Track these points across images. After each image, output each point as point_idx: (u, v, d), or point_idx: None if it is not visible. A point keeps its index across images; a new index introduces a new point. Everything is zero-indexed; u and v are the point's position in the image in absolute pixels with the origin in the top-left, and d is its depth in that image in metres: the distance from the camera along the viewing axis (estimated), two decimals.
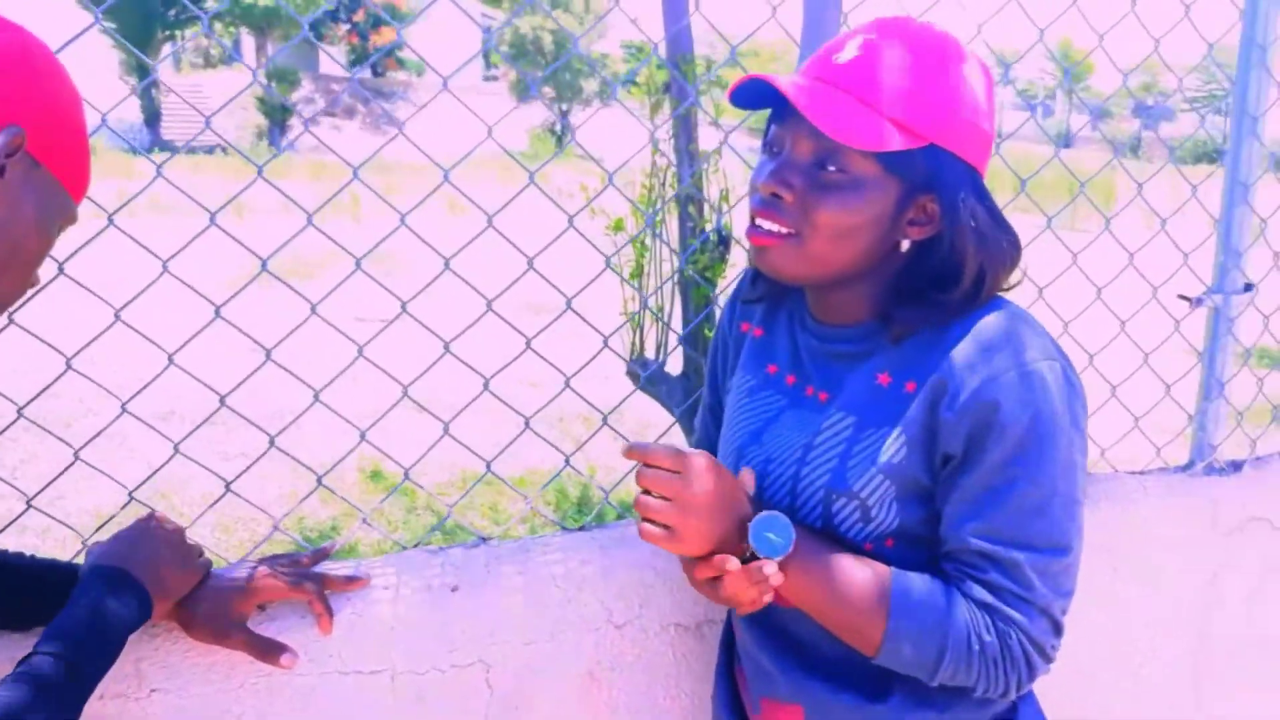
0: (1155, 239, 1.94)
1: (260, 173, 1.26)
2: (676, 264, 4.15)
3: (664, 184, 4.15)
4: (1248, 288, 1.94)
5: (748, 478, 1.08)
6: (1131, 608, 1.88)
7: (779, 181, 1.05)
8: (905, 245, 1.09)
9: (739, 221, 4.14)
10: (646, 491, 1.00)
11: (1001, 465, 1.01)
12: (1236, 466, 2.02)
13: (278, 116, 26.67)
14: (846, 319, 1.13)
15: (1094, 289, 1.85)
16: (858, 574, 1.04)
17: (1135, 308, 1.89)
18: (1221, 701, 2.02)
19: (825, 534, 1.09)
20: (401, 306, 1.37)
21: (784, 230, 1.06)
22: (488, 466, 1.46)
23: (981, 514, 1.02)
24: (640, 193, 4.17)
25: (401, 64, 32.19)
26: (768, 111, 1.13)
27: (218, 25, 26.94)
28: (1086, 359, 1.73)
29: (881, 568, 1.05)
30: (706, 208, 4.09)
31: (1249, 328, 2.01)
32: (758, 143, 1.17)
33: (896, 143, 1.01)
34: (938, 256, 1.07)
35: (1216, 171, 2.03)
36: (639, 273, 4.22)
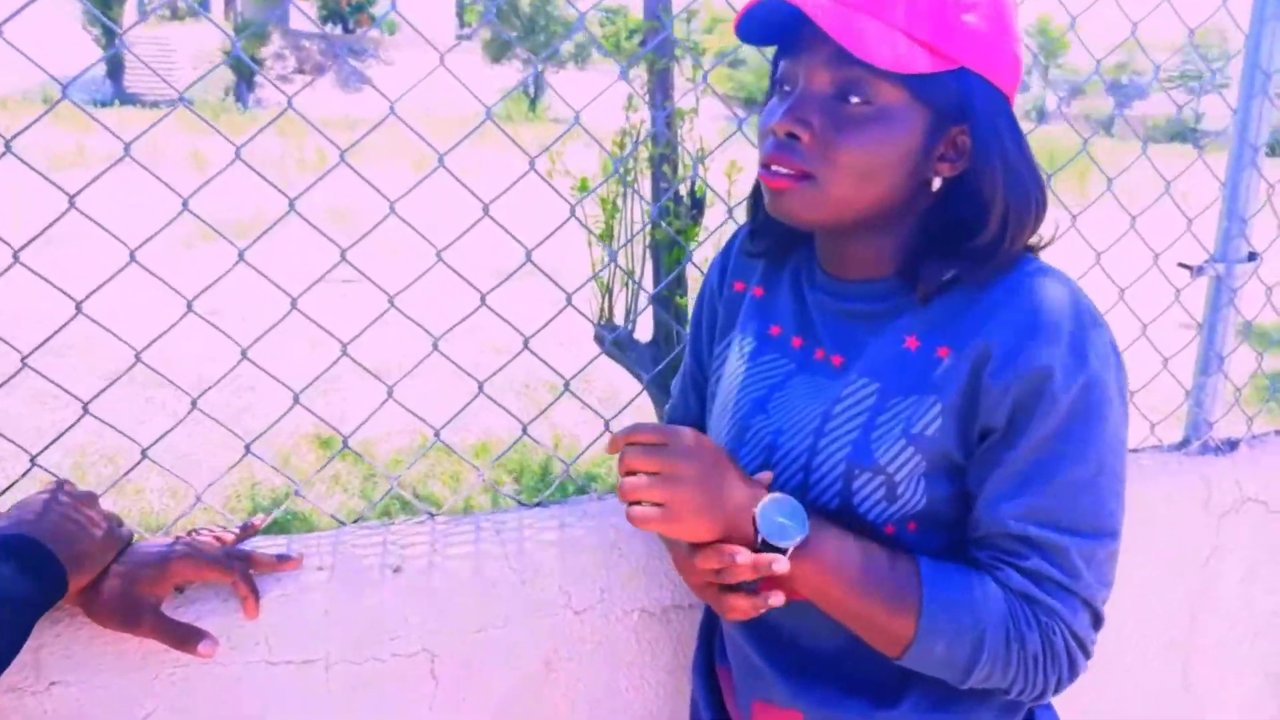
0: (1155, 209, 1.83)
1: (181, 98, 1.11)
2: (648, 225, 4.00)
3: (637, 143, 4.00)
4: (1252, 256, 1.83)
5: (765, 480, 0.97)
6: (1123, 588, 1.78)
7: (795, 119, 0.93)
8: (936, 184, 0.98)
9: (713, 181, 4.00)
10: (631, 474, 0.89)
11: (1050, 438, 0.90)
12: (1232, 445, 1.92)
13: (246, 72, 26.10)
14: (866, 273, 1.02)
15: (1093, 254, 1.73)
16: (883, 563, 0.92)
17: (1133, 277, 1.78)
18: (1210, 685, 1.94)
19: (842, 515, 0.97)
20: (341, 254, 1.23)
21: (802, 172, 0.94)
22: (436, 434, 1.33)
23: (1026, 492, 0.91)
24: (612, 151, 4.02)
25: (374, 21, 31.58)
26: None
27: None
28: None
29: (907, 555, 0.94)
30: (681, 168, 3.95)
31: (1250, 303, 1.91)
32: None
33: (926, 64, 0.90)
34: (965, 196, 0.96)
35: (1206, 149, 1.92)
36: (609, 234, 4.08)
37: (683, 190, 3.93)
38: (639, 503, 0.88)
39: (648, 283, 4.10)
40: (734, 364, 1.12)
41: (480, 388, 1.38)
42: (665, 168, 4.00)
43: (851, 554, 0.92)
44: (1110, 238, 1.79)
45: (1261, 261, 1.84)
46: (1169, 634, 1.86)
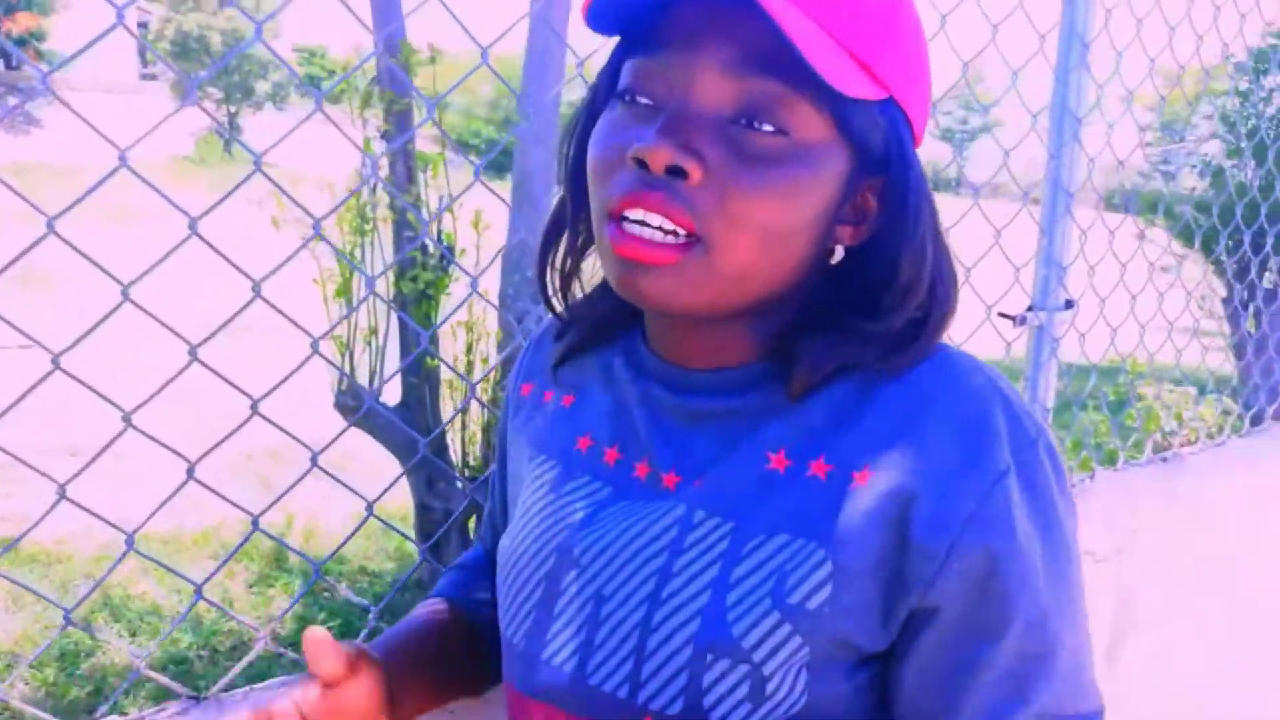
0: (969, 258, 1.74)
1: None
2: (392, 280, 3.65)
3: (374, 191, 3.65)
4: (1069, 304, 1.78)
5: None
6: None
7: (679, 146, 0.62)
8: (837, 256, 0.71)
9: (461, 233, 3.71)
10: None
11: (1041, 619, 0.66)
12: None
13: None
14: (716, 360, 0.73)
15: None
16: None
17: (960, 332, 1.68)
18: None
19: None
20: (54, 364, 0.87)
21: (684, 232, 0.63)
22: (197, 597, 0.99)
23: (1032, 694, 0.67)
24: (348, 200, 3.65)
25: (41, 56, 28.75)
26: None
27: None
28: None
29: None
30: (426, 215, 3.63)
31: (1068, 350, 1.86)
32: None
33: (866, 87, 0.64)
34: (872, 269, 0.70)
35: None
36: (346, 290, 3.70)
37: (429, 241, 3.62)
38: None
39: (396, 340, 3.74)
40: (533, 497, 0.80)
41: (259, 518, 1.04)
42: (409, 216, 3.67)
43: None
44: None
45: (1079, 309, 1.79)
46: None
